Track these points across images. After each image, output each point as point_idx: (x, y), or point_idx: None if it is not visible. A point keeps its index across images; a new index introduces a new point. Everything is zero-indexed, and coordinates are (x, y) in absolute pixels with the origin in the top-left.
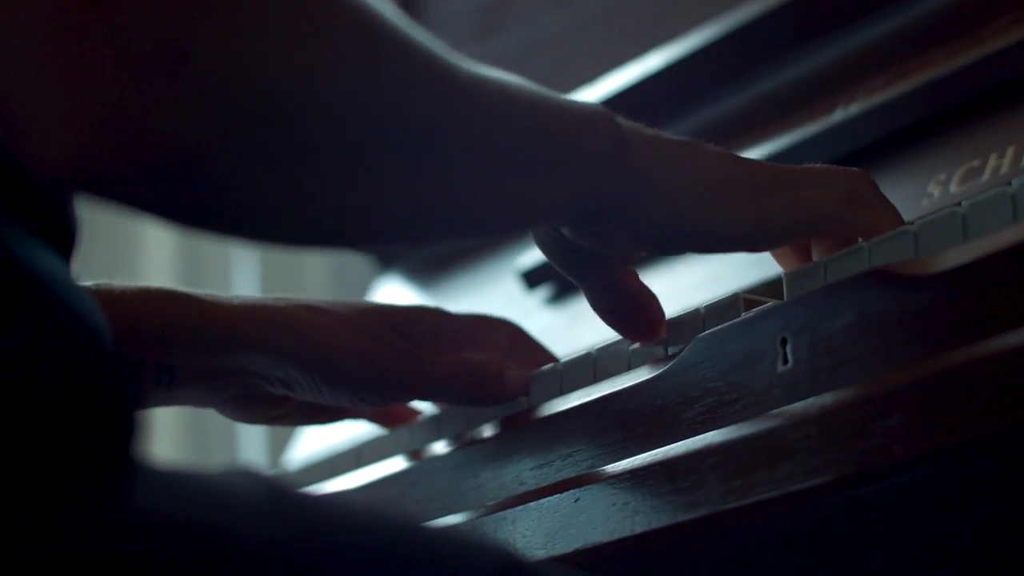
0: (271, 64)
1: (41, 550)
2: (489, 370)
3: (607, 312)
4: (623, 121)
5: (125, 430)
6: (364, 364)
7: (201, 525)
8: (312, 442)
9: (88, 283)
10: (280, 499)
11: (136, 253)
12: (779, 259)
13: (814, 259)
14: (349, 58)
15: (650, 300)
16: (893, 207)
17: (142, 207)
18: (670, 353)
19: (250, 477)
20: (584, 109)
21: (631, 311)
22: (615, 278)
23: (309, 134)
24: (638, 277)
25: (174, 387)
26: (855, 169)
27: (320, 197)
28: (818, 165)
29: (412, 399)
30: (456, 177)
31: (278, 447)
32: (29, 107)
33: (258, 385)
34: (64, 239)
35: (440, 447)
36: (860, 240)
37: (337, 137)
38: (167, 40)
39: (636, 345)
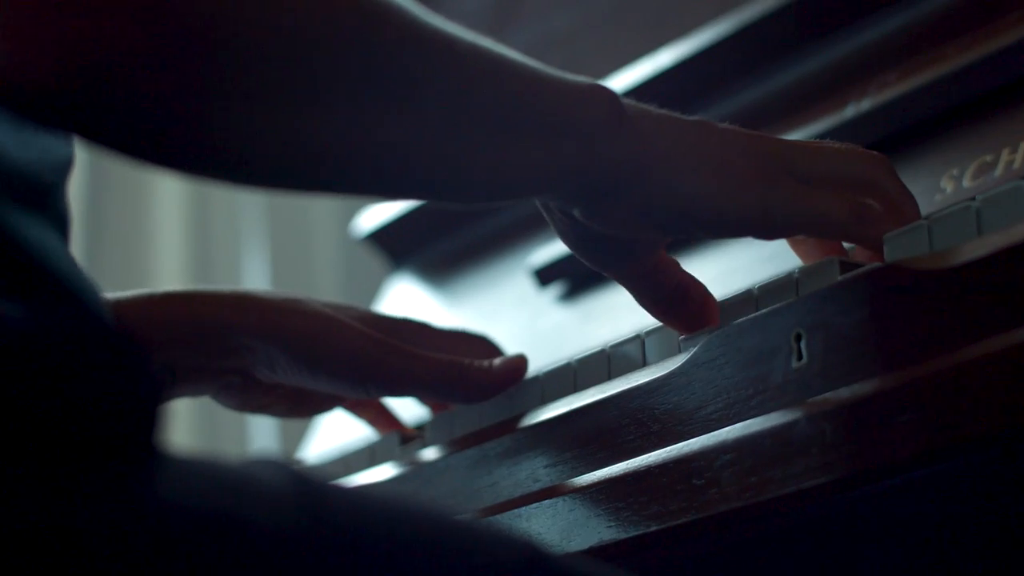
0: None
1: (65, 540)
2: (474, 365)
3: (650, 305)
4: (629, 102)
5: (147, 420)
6: (348, 352)
7: (226, 515)
8: (325, 440)
9: None
10: (305, 489)
11: (145, 255)
12: (795, 247)
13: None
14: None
15: (695, 289)
16: (911, 197)
17: (87, 131)
18: (684, 350)
19: (275, 467)
20: (581, 82)
21: (675, 302)
22: (649, 268)
23: (264, 65)
24: (679, 265)
25: (176, 384)
26: (875, 155)
27: (279, 132)
28: (838, 146)
29: (396, 392)
30: (429, 128)
31: (290, 445)
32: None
33: (246, 373)
34: (58, 219)
35: (454, 445)
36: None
37: (297, 71)
38: None
39: (651, 333)
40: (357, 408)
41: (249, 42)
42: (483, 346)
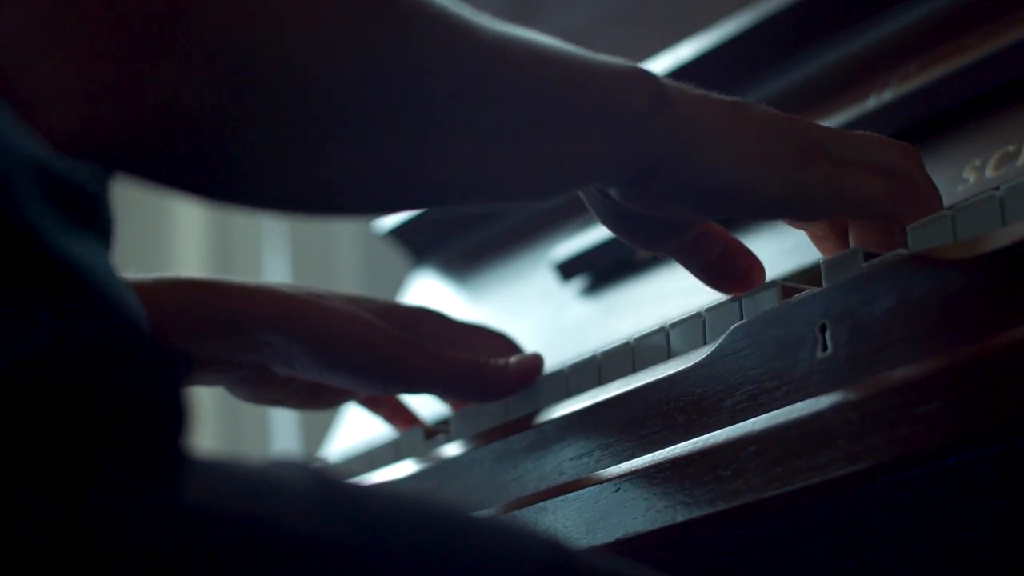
0: (275, 27)
1: (90, 542)
2: (491, 364)
3: (698, 273)
4: (666, 80)
5: (173, 422)
6: (366, 348)
7: (250, 517)
8: (349, 436)
9: None
10: (329, 490)
11: (167, 253)
12: (818, 243)
13: (851, 244)
14: (362, 21)
15: (740, 253)
16: (936, 190)
17: (151, 176)
18: (709, 342)
19: (298, 468)
20: (622, 67)
21: (722, 269)
22: (692, 239)
23: (320, 100)
24: (723, 231)
25: (192, 373)
26: (905, 145)
27: (336, 165)
28: (872, 135)
29: (412, 389)
30: (486, 141)
31: (312, 442)
32: (34, 79)
33: (264, 366)
34: (102, 229)
35: (478, 439)
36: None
37: (350, 104)
38: (165, 4)
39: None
40: (372, 404)
41: (320, 83)
42: (501, 342)
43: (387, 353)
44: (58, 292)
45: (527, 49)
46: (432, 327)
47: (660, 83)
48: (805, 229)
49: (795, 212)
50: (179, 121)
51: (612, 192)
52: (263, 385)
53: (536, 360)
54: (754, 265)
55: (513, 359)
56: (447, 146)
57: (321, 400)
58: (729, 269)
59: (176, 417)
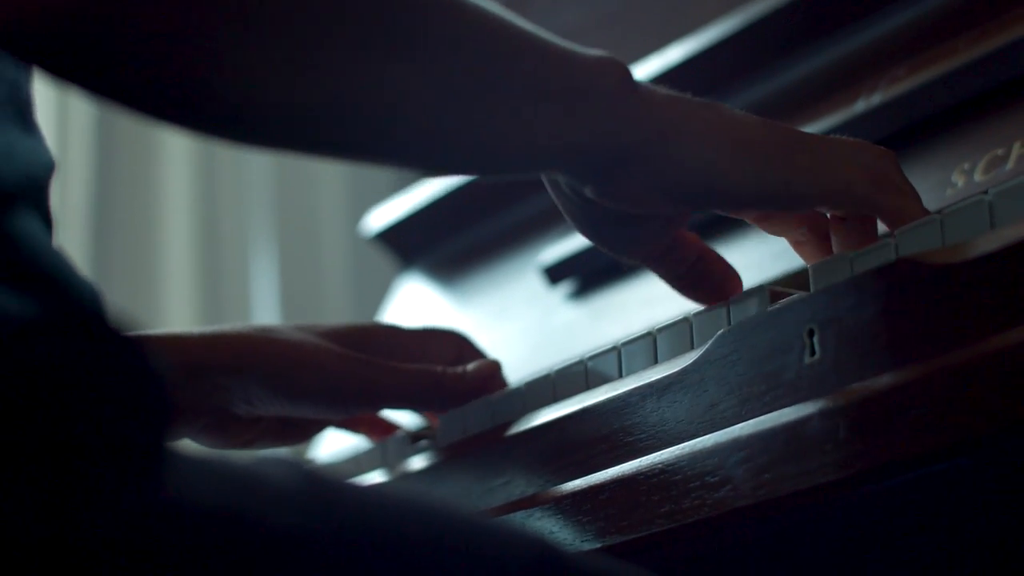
0: None
1: (75, 538)
2: (448, 373)
3: (672, 281)
4: (639, 79)
5: (151, 414)
6: (319, 372)
7: (236, 512)
8: (336, 441)
9: None
10: (316, 487)
11: (154, 258)
12: (798, 249)
13: (835, 250)
14: None
15: (715, 263)
16: (915, 190)
17: (80, 72)
18: (696, 347)
19: (286, 465)
20: (593, 53)
21: (696, 278)
22: (667, 247)
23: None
24: (696, 240)
25: None
26: (882, 148)
27: (282, 70)
28: (845, 137)
29: (373, 406)
30: (434, 83)
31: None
32: None
33: (224, 410)
34: (48, 224)
35: (461, 447)
36: (885, 226)
37: (303, 4)
38: None
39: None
40: (349, 425)
41: None
42: (455, 341)
43: (340, 373)
44: (19, 276)
45: (502, 20)
46: (384, 340)
47: (629, 72)
48: (785, 235)
49: (778, 203)
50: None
51: (587, 190)
52: (228, 430)
53: (493, 365)
54: (729, 274)
55: (471, 366)
56: (410, 85)
57: (294, 435)
58: (704, 278)
59: (157, 413)
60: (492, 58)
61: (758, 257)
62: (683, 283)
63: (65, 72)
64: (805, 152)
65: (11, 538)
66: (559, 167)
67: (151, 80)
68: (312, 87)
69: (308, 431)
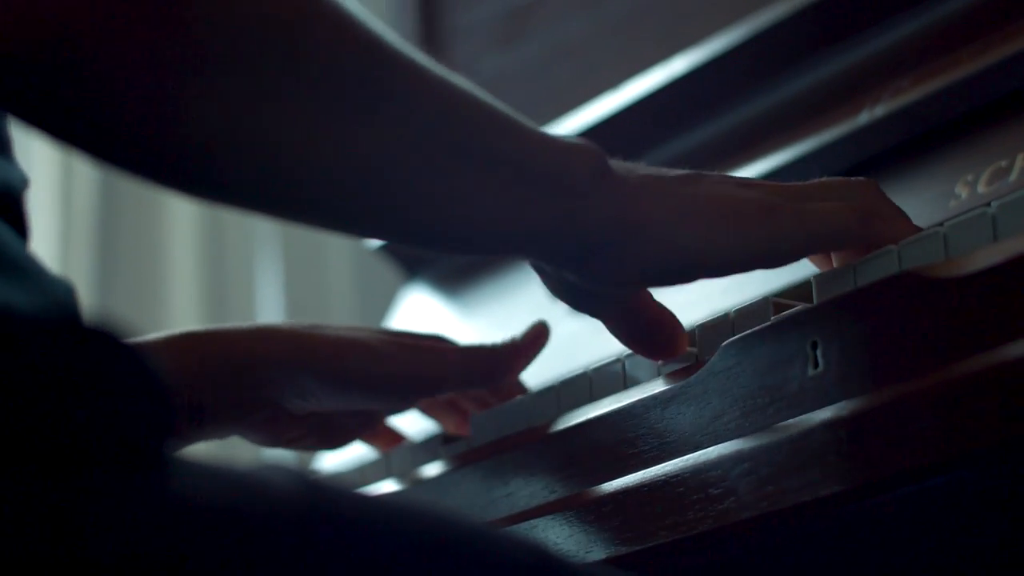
0: None
1: (75, 545)
2: (501, 344)
3: (626, 338)
4: (616, 161)
5: (155, 424)
6: (376, 359)
7: (235, 515)
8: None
9: None
10: (315, 493)
11: (159, 268)
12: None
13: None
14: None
15: (666, 319)
16: (904, 214)
17: (35, 111)
18: (700, 360)
19: (285, 471)
20: (566, 138)
21: (648, 334)
22: (627, 306)
23: (223, 39)
24: (651, 297)
25: (204, 425)
26: (861, 179)
27: (238, 125)
28: (825, 179)
29: (429, 389)
30: (408, 156)
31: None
32: None
33: (276, 407)
34: (24, 235)
35: (470, 455)
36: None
37: (258, 60)
38: None
39: (661, 363)
40: (374, 439)
41: (210, 18)
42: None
43: (395, 359)
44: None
45: (470, 96)
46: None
47: (603, 157)
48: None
49: (767, 263)
50: (62, 37)
51: (570, 275)
52: (277, 426)
53: (539, 325)
54: (679, 331)
55: (519, 332)
56: (370, 151)
57: (336, 438)
58: (656, 335)
59: (157, 418)
60: (456, 135)
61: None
62: (635, 339)
63: (29, 115)
64: (785, 208)
65: (11, 545)
66: (529, 253)
67: (111, 129)
68: (268, 140)
69: (349, 436)
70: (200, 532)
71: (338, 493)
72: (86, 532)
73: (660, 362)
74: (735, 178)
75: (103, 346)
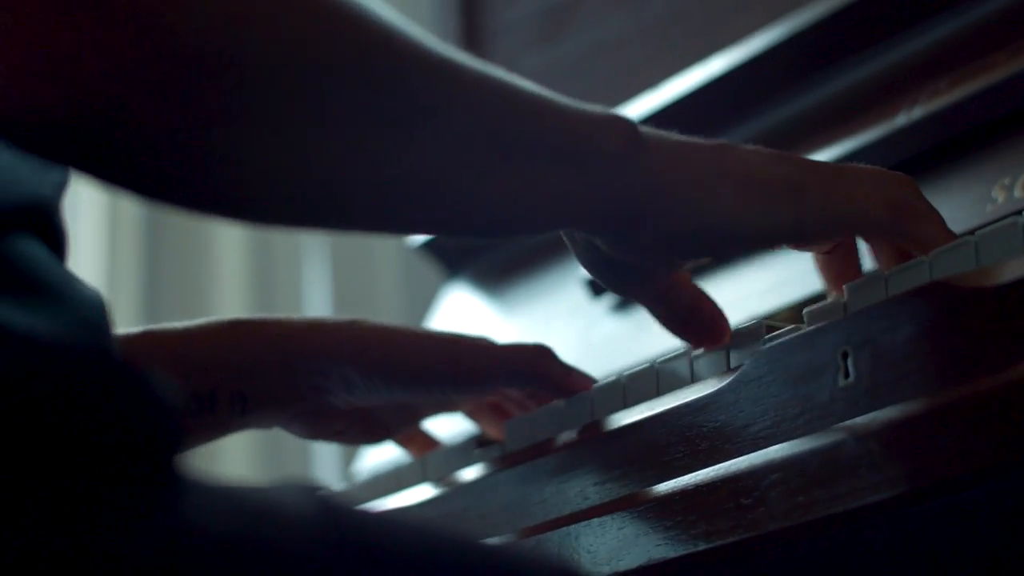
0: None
1: (86, 565)
2: (545, 346)
3: (666, 321)
4: (646, 129)
5: (167, 443)
6: (421, 355)
7: (249, 538)
8: (380, 453)
9: (149, 327)
10: (332, 515)
11: (207, 270)
12: (823, 265)
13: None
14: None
15: (707, 305)
16: (938, 214)
17: (79, 163)
18: (732, 367)
19: (300, 491)
20: (597, 112)
21: (689, 318)
22: (666, 286)
23: (261, 87)
24: (691, 282)
25: (247, 413)
26: (899, 173)
27: (284, 160)
28: (862, 165)
29: (475, 384)
30: (440, 159)
31: (351, 456)
32: None
33: (320, 399)
34: (59, 240)
35: (503, 462)
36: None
37: (299, 95)
38: None
39: (699, 351)
40: (406, 442)
41: (247, 62)
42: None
43: (440, 354)
44: (17, 296)
45: (505, 86)
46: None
47: (636, 129)
48: (810, 250)
49: (793, 239)
50: (102, 99)
51: (599, 242)
52: (320, 419)
53: (588, 381)
54: (718, 316)
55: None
56: (416, 164)
57: (376, 433)
58: (695, 318)
59: (169, 437)
60: (496, 131)
61: (799, 271)
62: (674, 322)
63: (58, 157)
64: (817, 185)
65: (20, 565)
66: (570, 227)
67: (148, 170)
68: (314, 171)
69: (389, 431)
70: (213, 554)
71: (351, 513)
72: (95, 555)
73: (694, 352)
74: (769, 151)
75: (112, 372)
